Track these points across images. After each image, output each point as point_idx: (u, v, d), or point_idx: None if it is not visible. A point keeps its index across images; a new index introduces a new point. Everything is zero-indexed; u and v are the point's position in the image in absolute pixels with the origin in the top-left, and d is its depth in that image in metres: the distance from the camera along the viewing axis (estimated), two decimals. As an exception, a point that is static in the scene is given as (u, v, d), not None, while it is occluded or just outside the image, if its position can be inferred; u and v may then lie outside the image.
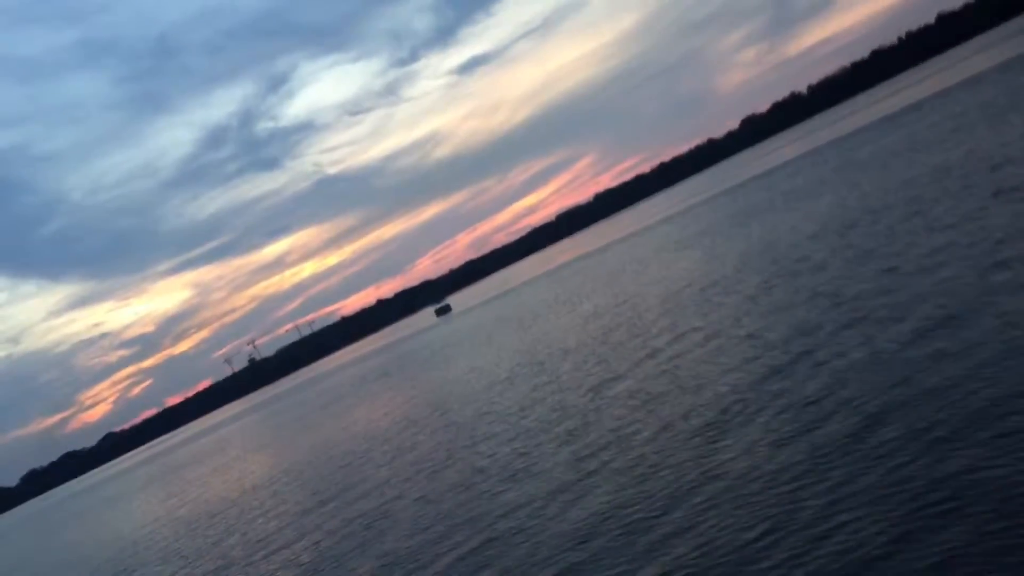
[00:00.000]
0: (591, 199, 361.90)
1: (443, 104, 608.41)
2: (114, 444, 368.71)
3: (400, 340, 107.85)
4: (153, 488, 56.85)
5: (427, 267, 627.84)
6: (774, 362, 14.92)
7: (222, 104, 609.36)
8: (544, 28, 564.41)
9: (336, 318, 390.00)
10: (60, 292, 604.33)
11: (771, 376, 14.20)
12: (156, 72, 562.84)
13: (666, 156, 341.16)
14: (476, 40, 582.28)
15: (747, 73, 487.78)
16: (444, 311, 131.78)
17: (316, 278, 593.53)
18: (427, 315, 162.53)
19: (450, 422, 24.32)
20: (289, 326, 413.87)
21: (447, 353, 49.43)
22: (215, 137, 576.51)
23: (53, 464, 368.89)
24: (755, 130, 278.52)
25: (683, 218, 73.77)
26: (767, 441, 11.40)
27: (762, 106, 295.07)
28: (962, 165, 27.13)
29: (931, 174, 28.33)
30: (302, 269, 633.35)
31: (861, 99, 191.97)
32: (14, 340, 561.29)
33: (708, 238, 42.98)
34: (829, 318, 16.23)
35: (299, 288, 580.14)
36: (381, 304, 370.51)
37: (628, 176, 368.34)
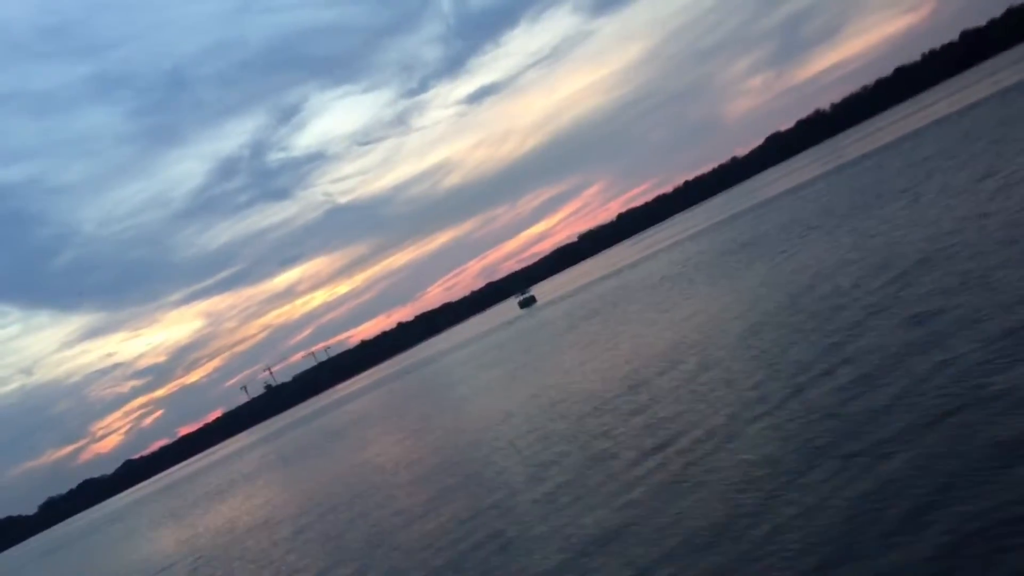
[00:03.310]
0: (615, 218, 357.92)
1: (453, 133, 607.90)
2: (132, 472, 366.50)
3: (422, 361, 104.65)
4: (170, 518, 54.09)
5: (438, 295, 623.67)
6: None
7: (234, 135, 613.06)
8: (553, 58, 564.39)
9: (347, 346, 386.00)
10: (73, 323, 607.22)
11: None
12: (169, 105, 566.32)
13: (676, 182, 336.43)
14: (485, 70, 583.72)
15: (755, 100, 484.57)
16: (528, 303, 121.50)
17: (327, 307, 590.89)
18: (511, 306, 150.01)
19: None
20: (302, 354, 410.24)
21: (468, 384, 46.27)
22: (226, 168, 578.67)
23: (71, 492, 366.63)
24: (781, 147, 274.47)
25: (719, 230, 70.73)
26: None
27: (782, 127, 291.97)
28: None
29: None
30: (313, 298, 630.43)
31: (887, 115, 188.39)
32: (27, 371, 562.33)
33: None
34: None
35: (310, 317, 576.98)
36: (401, 327, 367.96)
37: (640, 202, 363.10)
